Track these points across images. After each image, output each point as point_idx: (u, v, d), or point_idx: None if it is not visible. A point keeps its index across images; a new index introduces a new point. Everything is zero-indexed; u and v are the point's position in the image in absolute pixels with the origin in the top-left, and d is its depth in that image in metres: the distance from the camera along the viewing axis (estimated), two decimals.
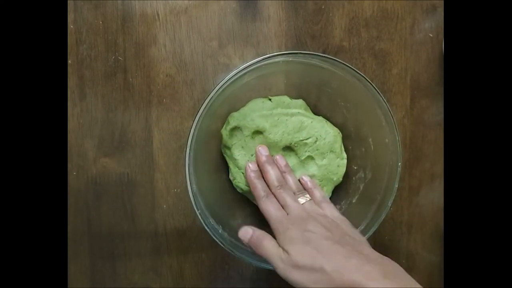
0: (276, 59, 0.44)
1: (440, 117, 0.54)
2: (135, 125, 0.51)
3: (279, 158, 0.48)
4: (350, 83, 0.46)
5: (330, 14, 0.52)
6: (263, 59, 0.43)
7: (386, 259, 0.38)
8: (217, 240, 0.44)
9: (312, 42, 0.52)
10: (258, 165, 0.47)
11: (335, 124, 0.50)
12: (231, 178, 0.49)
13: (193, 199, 0.43)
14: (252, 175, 0.46)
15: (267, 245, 0.40)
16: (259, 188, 0.45)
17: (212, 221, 0.45)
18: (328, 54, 0.52)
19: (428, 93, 0.54)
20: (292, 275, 0.37)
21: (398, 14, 0.52)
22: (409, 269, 0.56)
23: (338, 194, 0.51)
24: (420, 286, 0.35)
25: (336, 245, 0.38)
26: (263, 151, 0.47)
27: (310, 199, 0.45)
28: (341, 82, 0.46)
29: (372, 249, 0.40)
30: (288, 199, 0.44)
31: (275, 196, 0.45)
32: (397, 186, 0.46)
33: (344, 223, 0.43)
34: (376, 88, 0.45)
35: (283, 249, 0.39)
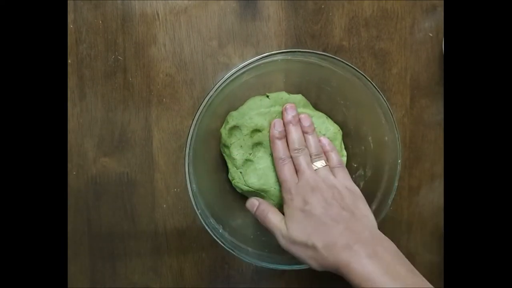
0: (275, 58, 0.44)
1: (440, 116, 0.54)
2: (135, 125, 0.51)
3: (303, 117, 0.47)
4: (350, 82, 0.46)
5: (330, 14, 0.52)
6: (262, 57, 0.43)
7: (378, 238, 0.39)
8: (217, 240, 0.44)
9: (312, 41, 0.52)
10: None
11: (335, 122, 0.50)
12: (230, 178, 0.49)
13: (193, 199, 0.43)
14: (276, 134, 0.46)
15: (271, 218, 0.43)
16: (279, 150, 0.45)
17: (212, 220, 0.45)
18: (328, 53, 0.52)
19: (428, 92, 0.54)
20: (291, 249, 0.41)
21: (398, 13, 0.52)
22: None
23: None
24: (409, 264, 0.37)
25: (332, 222, 0.40)
26: (290, 111, 0.46)
27: (326, 165, 0.45)
28: (340, 81, 0.46)
29: (370, 225, 0.41)
30: (303, 164, 0.44)
31: (293, 158, 0.45)
32: (397, 184, 0.46)
33: (352, 193, 0.43)
34: (376, 86, 0.45)
35: (285, 222, 0.42)
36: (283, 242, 0.42)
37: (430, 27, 0.53)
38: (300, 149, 0.45)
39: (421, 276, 0.37)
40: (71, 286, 0.51)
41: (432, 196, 0.55)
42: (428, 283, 0.37)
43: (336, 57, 0.44)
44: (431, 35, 0.53)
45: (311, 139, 0.46)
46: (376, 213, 0.47)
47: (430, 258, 0.56)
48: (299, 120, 0.47)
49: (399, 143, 0.46)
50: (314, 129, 0.47)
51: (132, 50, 0.50)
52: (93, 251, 0.52)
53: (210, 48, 0.51)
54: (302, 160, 0.44)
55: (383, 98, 0.45)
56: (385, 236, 0.40)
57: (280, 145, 0.46)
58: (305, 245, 0.40)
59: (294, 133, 0.46)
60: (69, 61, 0.49)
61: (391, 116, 0.45)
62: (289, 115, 0.46)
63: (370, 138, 0.49)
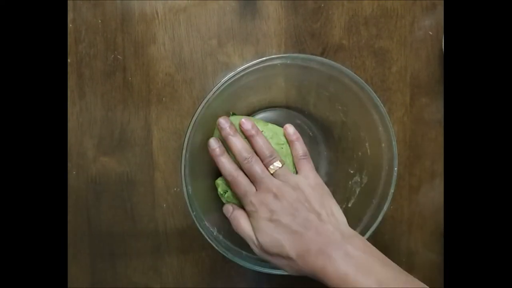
0: (274, 62, 0.44)
1: (440, 115, 0.54)
2: (135, 124, 0.51)
3: (243, 122, 0.44)
4: (348, 87, 0.45)
5: (330, 13, 0.51)
6: (260, 61, 0.43)
7: (348, 237, 0.39)
8: (211, 242, 0.44)
9: (312, 40, 0.52)
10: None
11: (333, 126, 0.50)
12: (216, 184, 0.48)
13: (188, 201, 0.43)
14: (217, 151, 0.43)
15: (242, 226, 0.42)
16: (226, 167, 0.43)
17: (207, 223, 0.45)
18: (328, 53, 0.52)
19: (428, 91, 0.54)
20: (267, 258, 0.41)
21: (398, 12, 0.52)
22: (409, 268, 0.56)
23: (334, 198, 0.51)
24: (382, 258, 0.37)
25: (302, 229, 0.39)
26: (224, 123, 0.44)
27: (281, 166, 0.43)
28: (338, 86, 0.46)
29: (338, 224, 0.40)
30: (257, 172, 0.42)
31: (244, 170, 0.43)
32: (393, 191, 0.46)
33: (316, 191, 0.42)
34: (373, 92, 0.44)
35: (255, 234, 0.41)
36: (256, 250, 0.41)
37: (430, 25, 0.53)
38: (249, 157, 0.42)
39: (396, 266, 0.37)
40: (71, 286, 0.51)
41: (433, 195, 0.55)
42: (403, 272, 0.37)
43: (334, 62, 0.44)
44: (431, 33, 0.53)
45: (259, 141, 0.43)
46: (371, 219, 0.46)
47: (430, 257, 0.56)
48: (237, 129, 0.44)
49: (396, 151, 0.45)
50: (258, 130, 0.44)
51: (131, 49, 0.50)
52: (94, 251, 0.52)
53: (210, 47, 0.51)
54: (256, 168, 0.42)
55: (380, 104, 0.45)
56: (355, 232, 0.40)
57: (225, 161, 0.43)
58: (280, 256, 0.39)
59: (237, 143, 0.43)
60: (68, 60, 0.49)
61: (388, 122, 0.45)
62: (225, 127, 0.43)
63: (367, 144, 0.48)
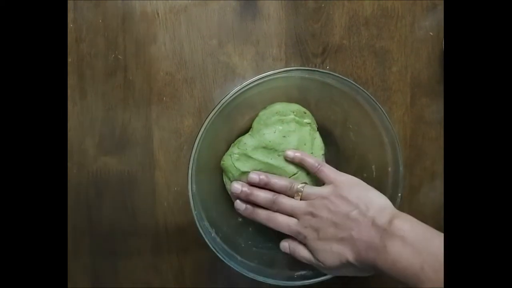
0: (282, 75, 0.44)
1: (441, 115, 0.54)
2: (136, 123, 0.51)
3: (251, 177, 0.46)
4: (360, 106, 0.46)
5: (330, 13, 0.52)
6: (275, 73, 0.44)
7: (386, 229, 0.40)
8: (208, 243, 0.44)
9: (312, 40, 0.52)
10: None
11: (343, 144, 0.50)
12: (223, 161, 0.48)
13: (191, 200, 0.43)
14: (248, 209, 0.47)
15: (302, 254, 0.45)
16: (263, 214, 0.46)
17: (206, 223, 0.45)
18: (328, 53, 0.52)
19: (428, 91, 0.54)
20: (336, 273, 0.44)
21: (398, 12, 0.52)
22: None
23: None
24: (425, 231, 0.40)
25: (347, 235, 0.41)
26: (237, 188, 0.46)
27: (303, 184, 0.46)
28: (351, 104, 0.46)
29: (377, 209, 0.42)
30: (288, 206, 0.45)
31: (278, 210, 0.45)
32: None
33: (342, 187, 0.44)
34: (385, 114, 0.45)
35: (313, 256, 0.44)
36: (324, 270, 0.44)
37: (430, 25, 0.53)
38: (274, 198, 0.45)
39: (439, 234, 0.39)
40: (71, 284, 0.52)
41: (433, 195, 0.55)
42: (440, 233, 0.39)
43: (345, 78, 0.45)
44: (431, 33, 0.53)
45: (273, 181, 0.46)
46: None
47: None
48: (249, 179, 0.46)
49: (402, 179, 0.46)
50: (266, 175, 0.46)
51: (132, 49, 0.50)
52: (94, 249, 0.52)
53: (210, 47, 0.51)
54: (285, 203, 0.45)
55: (392, 129, 0.45)
56: (399, 213, 0.41)
57: (260, 211, 0.46)
58: (342, 266, 0.42)
59: (259, 195, 0.46)
60: (69, 60, 0.50)
61: (397, 147, 0.46)
62: (238, 191, 0.46)
63: (373, 166, 0.49)
